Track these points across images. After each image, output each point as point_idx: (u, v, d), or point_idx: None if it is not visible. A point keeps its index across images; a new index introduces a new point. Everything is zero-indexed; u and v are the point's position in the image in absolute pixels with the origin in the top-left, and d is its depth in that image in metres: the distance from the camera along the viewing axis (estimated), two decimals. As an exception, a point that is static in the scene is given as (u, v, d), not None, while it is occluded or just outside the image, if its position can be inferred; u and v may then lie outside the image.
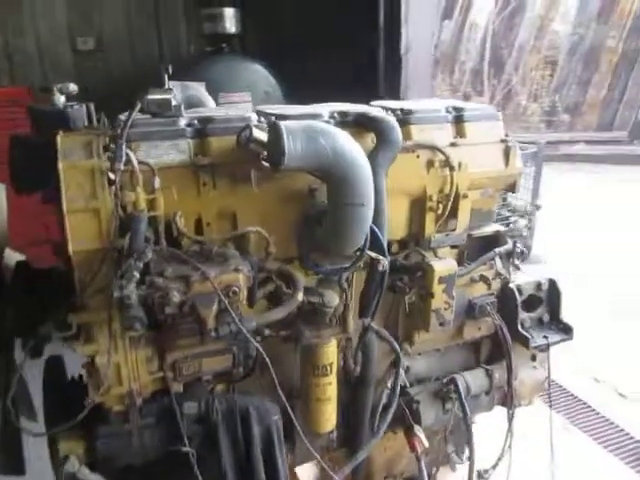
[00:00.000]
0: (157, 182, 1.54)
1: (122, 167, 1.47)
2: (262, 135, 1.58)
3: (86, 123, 1.75)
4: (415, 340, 2.16)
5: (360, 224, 1.65)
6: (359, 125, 1.86)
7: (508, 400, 2.26)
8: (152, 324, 1.45)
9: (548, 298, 2.36)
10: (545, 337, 2.29)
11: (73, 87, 1.77)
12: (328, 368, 1.86)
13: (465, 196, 2.03)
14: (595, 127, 10.41)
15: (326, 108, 1.92)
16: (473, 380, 2.23)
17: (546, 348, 2.27)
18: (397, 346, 1.95)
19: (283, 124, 1.48)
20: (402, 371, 2.06)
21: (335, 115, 1.87)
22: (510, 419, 2.26)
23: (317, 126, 1.54)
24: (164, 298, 1.38)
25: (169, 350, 1.56)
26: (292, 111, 1.84)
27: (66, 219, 1.42)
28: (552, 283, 2.33)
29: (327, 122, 1.80)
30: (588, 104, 10.60)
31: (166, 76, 1.73)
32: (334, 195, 1.62)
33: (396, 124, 1.81)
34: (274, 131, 1.50)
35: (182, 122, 1.67)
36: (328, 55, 4.82)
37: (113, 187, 1.46)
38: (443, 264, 2.02)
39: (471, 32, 10.75)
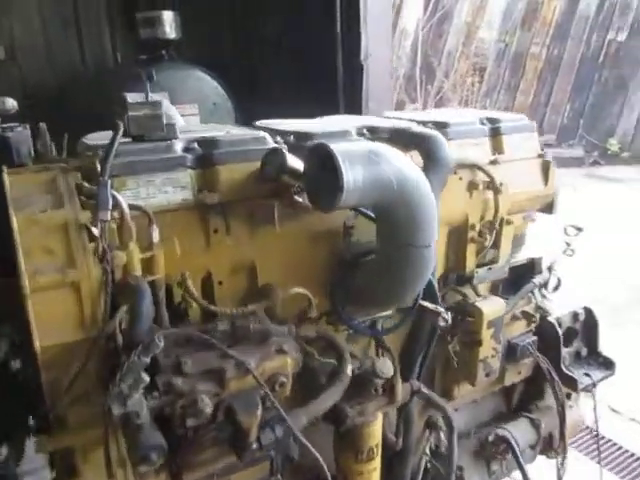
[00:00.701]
0: (156, 233, 1.09)
1: (109, 216, 1.01)
2: (297, 163, 1.17)
3: (32, 152, 1.27)
4: (455, 395, 1.81)
5: (422, 269, 1.28)
6: (396, 143, 1.49)
7: (560, 450, 1.96)
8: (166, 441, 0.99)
9: (584, 329, 2.10)
10: (587, 375, 2.03)
11: (11, 103, 1.30)
12: (374, 450, 1.47)
13: (509, 222, 1.72)
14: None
15: (348, 122, 1.54)
16: (521, 434, 1.92)
17: (591, 388, 2.01)
18: (450, 412, 1.59)
19: (335, 147, 1.08)
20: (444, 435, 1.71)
21: (364, 132, 1.49)
22: (560, 473, 1.96)
23: (376, 149, 1.15)
24: (190, 407, 0.94)
25: (187, 470, 1.10)
26: (311, 128, 1.45)
27: (28, 302, 0.94)
28: (589, 312, 2.07)
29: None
30: (517, 109, 10.84)
31: (148, 84, 1.28)
32: (392, 234, 1.24)
33: (444, 140, 1.46)
34: (321, 157, 1.09)
35: (178, 147, 1.23)
36: (279, 62, 4.43)
37: (98, 246, 1.00)
38: (491, 305, 1.69)
39: (402, 38, 10.71)
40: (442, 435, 1.75)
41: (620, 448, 3.26)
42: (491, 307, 1.68)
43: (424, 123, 1.63)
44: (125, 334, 0.97)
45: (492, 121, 1.76)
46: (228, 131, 1.38)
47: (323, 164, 1.09)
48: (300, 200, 1.21)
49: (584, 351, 2.09)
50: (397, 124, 1.53)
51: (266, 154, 1.20)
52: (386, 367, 1.37)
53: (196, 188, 1.21)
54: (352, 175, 1.06)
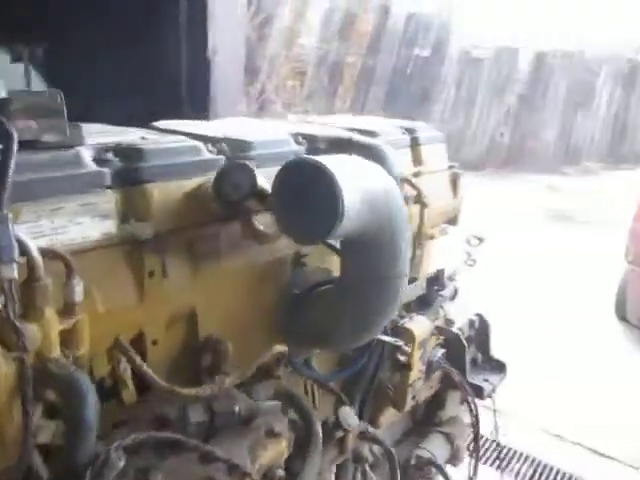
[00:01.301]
0: (79, 288, 0.74)
1: (16, 273, 0.64)
2: (267, 184, 0.91)
3: None
4: (382, 422, 1.68)
5: (395, 301, 1.11)
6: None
7: (474, 460, 1.95)
8: None
9: (477, 335, 2.13)
10: (486, 380, 2.06)
11: None
12: (328, 514, 1.25)
13: (432, 237, 1.64)
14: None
15: (281, 128, 1.30)
16: (438, 451, 1.86)
17: (492, 393, 2.05)
18: (394, 453, 1.45)
19: (328, 165, 0.84)
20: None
21: (300, 140, 1.26)
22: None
23: (361, 163, 0.94)
24: None
25: None
26: (240, 134, 1.17)
27: None
28: (481, 318, 2.11)
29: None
30: (337, 113, 11.34)
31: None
32: (367, 266, 1.03)
33: (391, 151, 1.30)
34: (307, 176, 0.85)
35: (88, 158, 0.87)
36: (111, 57, 3.87)
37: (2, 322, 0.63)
38: (419, 325, 1.58)
39: (224, 38, 10.44)
40: (367, 468, 1.61)
41: (516, 452, 3.08)
42: (420, 327, 1.58)
43: (349, 131, 1.46)
44: (62, 456, 0.62)
45: (410, 131, 1.66)
46: (143, 137, 1.04)
47: (307, 184, 0.85)
48: (262, 228, 0.95)
49: (479, 357, 2.14)
50: (333, 132, 1.33)
51: (225, 169, 0.90)
52: (351, 417, 1.16)
53: (120, 215, 0.87)
54: (350, 198, 0.84)
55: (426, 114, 11.23)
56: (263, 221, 0.97)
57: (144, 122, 1.23)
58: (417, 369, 1.62)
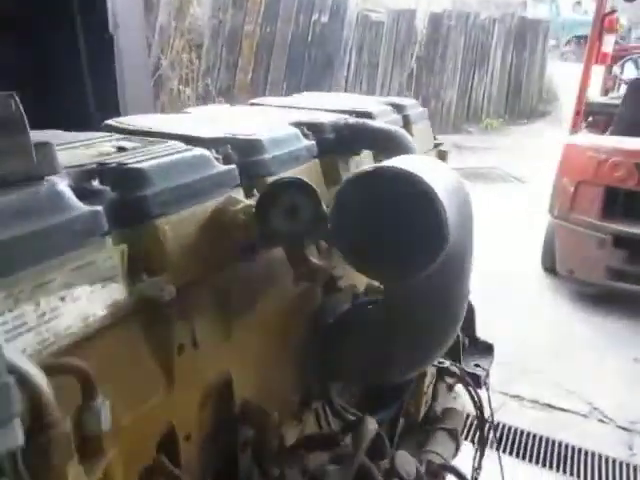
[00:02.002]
0: (105, 412, 0.47)
1: (20, 437, 0.36)
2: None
3: None
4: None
5: (459, 323, 0.92)
6: (345, 145, 1.05)
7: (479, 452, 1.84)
8: None
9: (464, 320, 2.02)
10: (478, 365, 1.96)
11: None
12: None
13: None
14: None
15: (268, 118, 1.03)
16: (447, 452, 1.72)
17: (486, 377, 1.95)
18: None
19: (420, 174, 0.61)
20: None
21: (306, 131, 1.00)
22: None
23: (438, 167, 0.71)
24: None
25: None
26: (236, 130, 0.89)
27: None
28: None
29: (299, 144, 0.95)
30: (239, 87, 10.87)
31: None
32: (433, 285, 0.82)
33: (410, 139, 1.09)
34: (395, 192, 0.61)
35: (68, 192, 0.57)
36: None
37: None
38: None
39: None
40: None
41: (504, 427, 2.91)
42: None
43: (342, 114, 1.22)
44: None
45: (399, 109, 1.45)
46: (121, 147, 0.74)
47: (382, 201, 0.62)
48: (319, 263, 0.70)
49: (466, 341, 2.03)
50: (335, 118, 1.08)
51: (273, 189, 0.64)
52: (409, 464, 0.97)
53: (129, 273, 0.59)
54: (451, 217, 0.62)
55: (331, 81, 11.06)
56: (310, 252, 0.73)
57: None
58: (430, 373, 1.47)
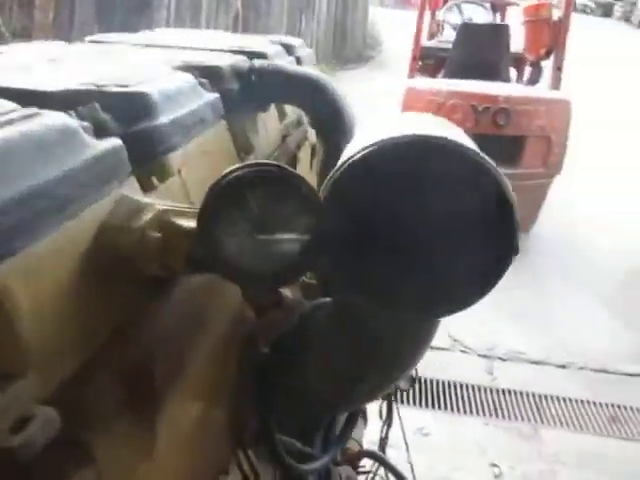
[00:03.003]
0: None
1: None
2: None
3: None
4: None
5: (431, 339, 0.71)
6: (256, 99, 0.76)
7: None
8: None
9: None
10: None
11: None
12: None
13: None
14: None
15: (149, 57, 0.70)
16: (360, 433, 1.58)
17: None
18: None
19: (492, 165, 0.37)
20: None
21: (201, 79, 0.68)
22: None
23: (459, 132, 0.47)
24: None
25: None
26: (142, 84, 0.56)
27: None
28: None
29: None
30: (38, 28, 9.33)
31: None
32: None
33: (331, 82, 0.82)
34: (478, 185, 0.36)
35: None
36: None
37: None
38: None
39: None
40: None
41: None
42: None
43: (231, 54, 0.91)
44: None
45: (289, 49, 1.16)
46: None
47: (442, 198, 0.37)
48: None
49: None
50: (241, 61, 0.78)
51: (231, 188, 0.35)
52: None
53: None
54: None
55: (150, 23, 10.02)
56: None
57: None
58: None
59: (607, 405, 2.71)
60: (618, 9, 33.39)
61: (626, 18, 31.42)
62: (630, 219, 4.82)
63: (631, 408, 2.70)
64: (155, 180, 0.48)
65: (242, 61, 0.77)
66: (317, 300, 0.66)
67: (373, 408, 1.65)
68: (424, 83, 4.58)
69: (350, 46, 11.85)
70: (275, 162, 0.37)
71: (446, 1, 5.85)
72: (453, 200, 0.36)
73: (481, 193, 0.36)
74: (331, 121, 0.76)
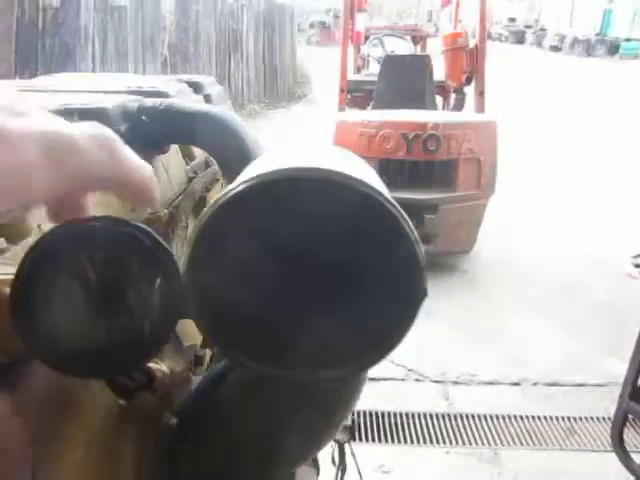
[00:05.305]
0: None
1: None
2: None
3: None
4: None
5: (357, 398, 0.64)
6: (147, 141, 0.69)
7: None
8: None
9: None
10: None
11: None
12: None
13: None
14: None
15: (28, 100, 0.61)
16: None
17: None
18: None
19: (391, 199, 0.31)
20: None
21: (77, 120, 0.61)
22: None
23: (364, 168, 0.42)
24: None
25: None
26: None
27: None
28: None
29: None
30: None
31: None
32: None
33: (240, 121, 0.77)
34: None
35: None
36: None
37: None
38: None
39: None
40: None
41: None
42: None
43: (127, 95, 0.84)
44: None
45: (196, 87, 1.10)
46: None
47: (330, 238, 0.31)
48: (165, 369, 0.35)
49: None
50: (130, 101, 0.71)
51: (57, 245, 0.27)
52: None
53: None
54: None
55: (73, 71, 9.82)
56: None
57: None
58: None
59: (563, 418, 2.71)
60: (530, 36, 35.97)
61: (538, 43, 33.89)
62: (558, 228, 5.01)
63: (586, 418, 2.71)
64: (4, 242, 0.40)
65: (131, 101, 0.70)
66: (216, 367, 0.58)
67: (327, 451, 1.56)
68: (354, 116, 4.65)
69: (281, 85, 12.03)
70: (115, 217, 0.30)
71: (367, 36, 6.03)
72: (338, 239, 0.30)
73: (370, 228, 0.30)
74: (235, 159, 0.70)
